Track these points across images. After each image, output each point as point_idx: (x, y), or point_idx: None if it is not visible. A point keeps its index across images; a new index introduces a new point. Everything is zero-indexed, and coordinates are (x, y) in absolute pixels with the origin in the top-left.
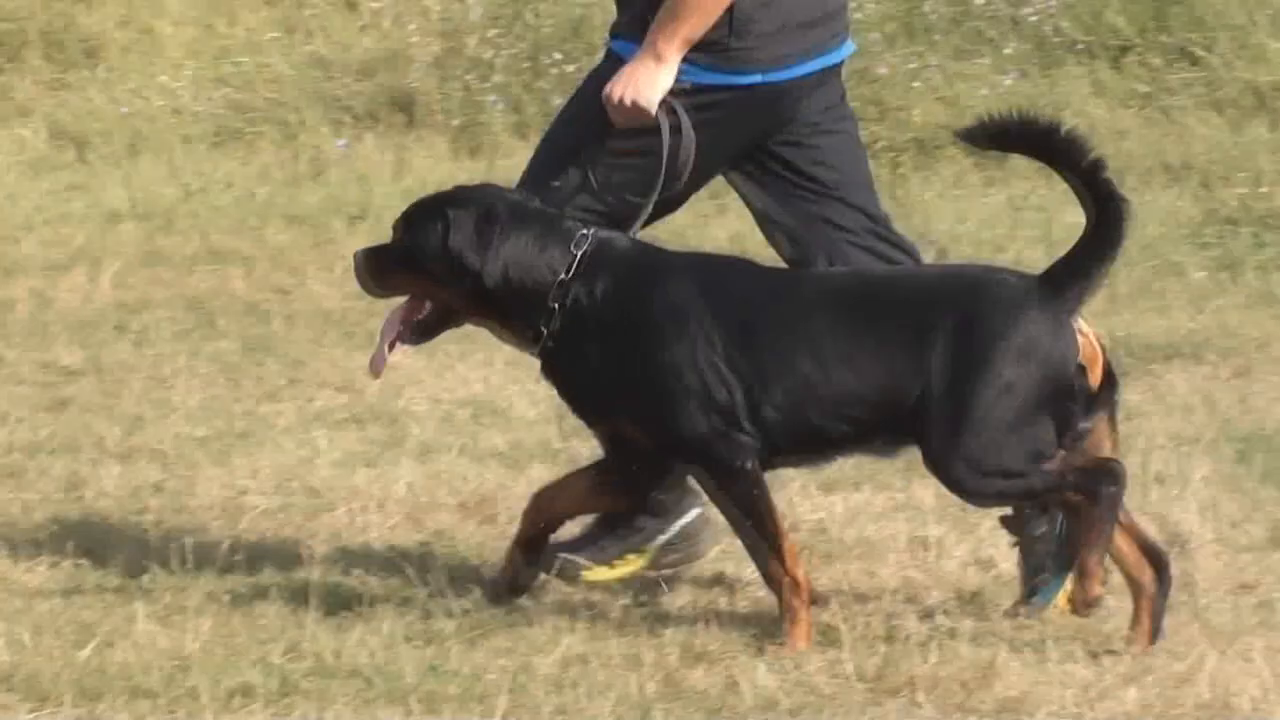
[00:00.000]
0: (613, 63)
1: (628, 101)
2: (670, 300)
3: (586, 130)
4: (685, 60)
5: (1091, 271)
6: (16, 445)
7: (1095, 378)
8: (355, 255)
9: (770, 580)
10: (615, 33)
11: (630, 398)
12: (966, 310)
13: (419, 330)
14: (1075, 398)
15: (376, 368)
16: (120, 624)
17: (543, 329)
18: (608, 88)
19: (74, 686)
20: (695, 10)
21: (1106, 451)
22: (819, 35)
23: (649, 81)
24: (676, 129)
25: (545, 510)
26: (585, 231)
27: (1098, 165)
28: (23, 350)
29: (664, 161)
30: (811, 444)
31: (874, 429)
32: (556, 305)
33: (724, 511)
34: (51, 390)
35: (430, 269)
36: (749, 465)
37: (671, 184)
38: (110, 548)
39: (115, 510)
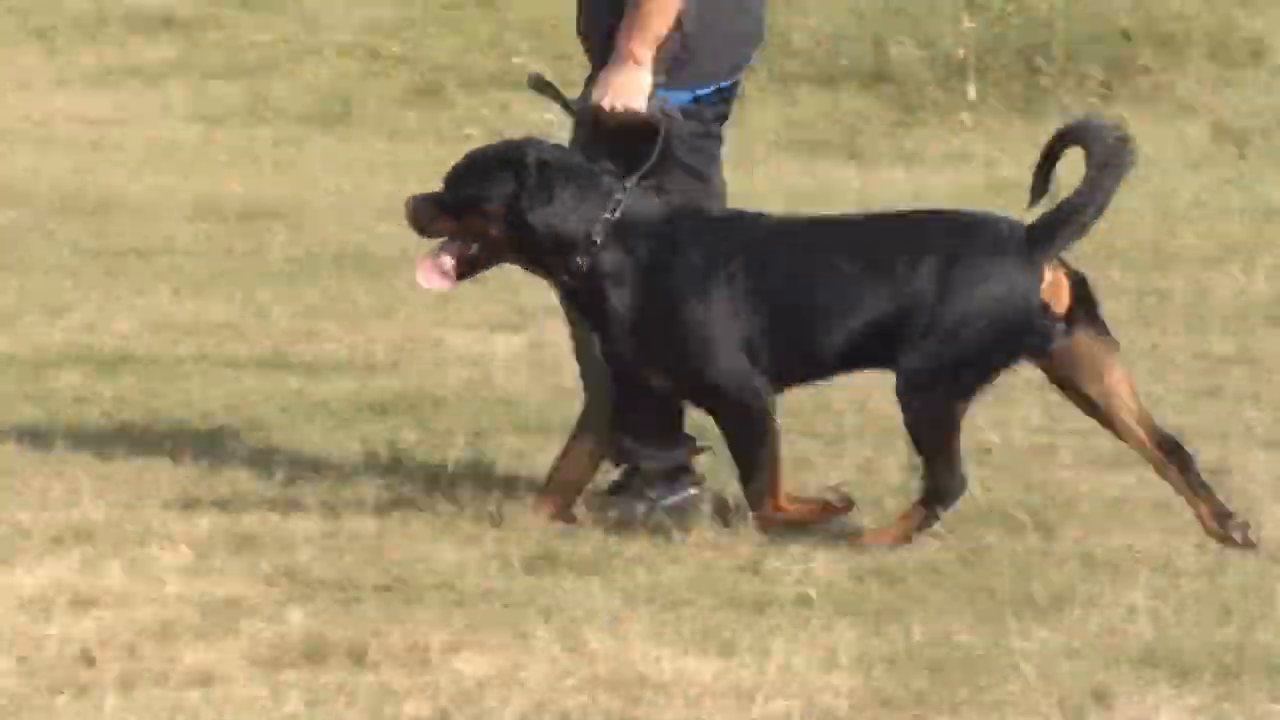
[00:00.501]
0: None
1: (619, 108)
2: (690, 256)
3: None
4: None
5: (1076, 221)
6: (1168, 427)
7: (1061, 305)
8: (408, 201)
9: (760, 518)
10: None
11: (659, 344)
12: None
13: (463, 270)
14: (1032, 332)
15: (430, 281)
16: (1260, 605)
17: (577, 267)
18: (595, 98)
19: (1213, 664)
20: (657, 11)
21: (1103, 362)
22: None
23: (634, 85)
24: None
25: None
26: (621, 185)
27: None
28: (1179, 337)
29: (658, 148)
30: (818, 370)
31: (872, 355)
32: (588, 250)
33: (732, 449)
34: (1205, 377)
35: (491, 214)
36: (766, 408)
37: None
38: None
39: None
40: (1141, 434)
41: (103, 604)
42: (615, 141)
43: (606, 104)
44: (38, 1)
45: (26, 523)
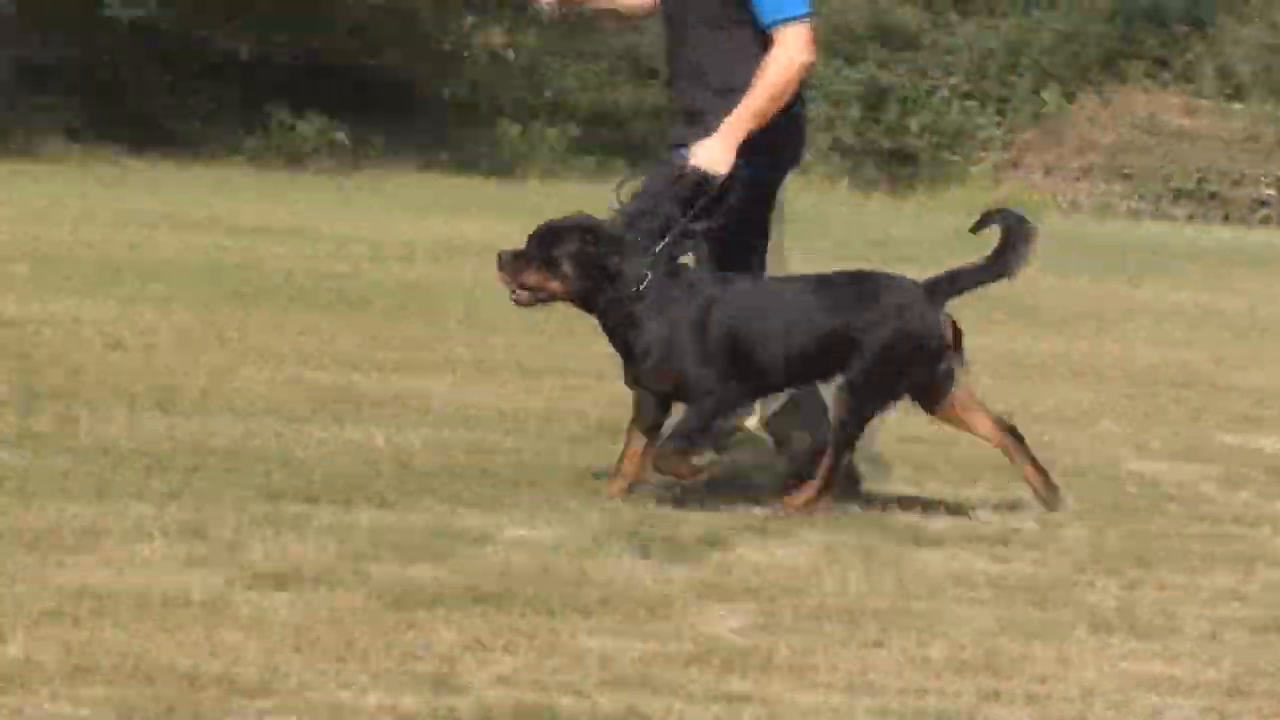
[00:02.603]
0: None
1: (705, 169)
2: (697, 301)
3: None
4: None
5: (971, 285)
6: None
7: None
8: (500, 254)
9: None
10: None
11: (672, 360)
12: (875, 301)
13: (532, 300)
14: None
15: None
16: None
17: (624, 311)
18: (691, 156)
19: None
20: (767, 111)
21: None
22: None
23: (725, 158)
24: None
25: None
26: (653, 255)
27: (1024, 227)
28: None
29: (708, 204)
30: (775, 386)
31: (812, 376)
32: (633, 299)
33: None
34: None
35: (566, 273)
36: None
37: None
38: None
39: None
40: (987, 424)
41: None
42: (690, 192)
43: (700, 163)
44: None
45: None
